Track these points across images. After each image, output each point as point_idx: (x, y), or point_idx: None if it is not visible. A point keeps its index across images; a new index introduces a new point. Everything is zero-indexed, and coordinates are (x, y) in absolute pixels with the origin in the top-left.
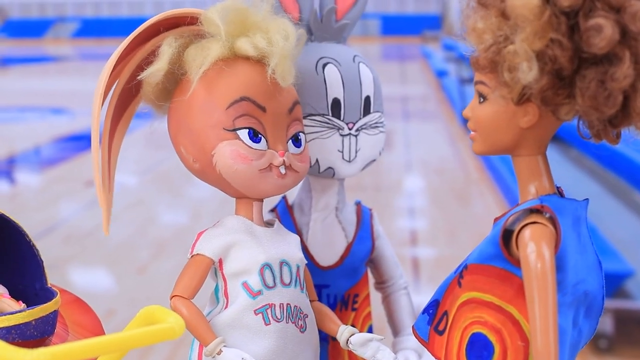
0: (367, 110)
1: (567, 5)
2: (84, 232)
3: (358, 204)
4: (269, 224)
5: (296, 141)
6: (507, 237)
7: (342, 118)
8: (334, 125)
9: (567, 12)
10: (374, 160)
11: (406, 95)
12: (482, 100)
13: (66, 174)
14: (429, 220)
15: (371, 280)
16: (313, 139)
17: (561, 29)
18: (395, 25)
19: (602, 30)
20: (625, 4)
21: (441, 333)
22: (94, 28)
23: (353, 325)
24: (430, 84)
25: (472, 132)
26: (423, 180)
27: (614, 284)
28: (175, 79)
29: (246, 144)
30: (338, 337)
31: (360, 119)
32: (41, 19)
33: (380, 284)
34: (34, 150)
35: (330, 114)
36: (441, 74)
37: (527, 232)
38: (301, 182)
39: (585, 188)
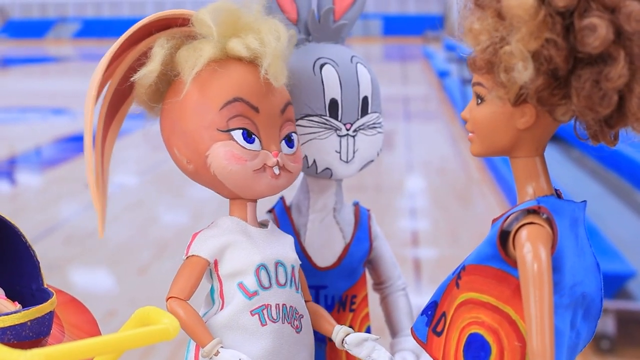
0: (364, 111)
1: (562, 5)
2: (85, 232)
3: (356, 204)
4: (263, 225)
5: (289, 141)
6: (504, 237)
7: (339, 119)
8: (331, 125)
9: (562, 12)
10: (372, 160)
11: (408, 95)
12: (479, 101)
13: (67, 175)
14: (431, 221)
15: (369, 281)
16: (310, 139)
17: (556, 29)
18: (397, 26)
19: (597, 30)
20: (620, 4)
21: (439, 334)
22: (95, 28)
23: (351, 327)
24: (431, 85)
25: (470, 134)
26: (424, 181)
27: (616, 284)
28: (167, 81)
29: (240, 145)
30: (333, 337)
31: (357, 119)
32: (42, 19)
33: (378, 285)
34: (35, 150)
35: (328, 115)
36: (443, 74)
37: (523, 233)
38: (299, 183)
39: (587, 188)
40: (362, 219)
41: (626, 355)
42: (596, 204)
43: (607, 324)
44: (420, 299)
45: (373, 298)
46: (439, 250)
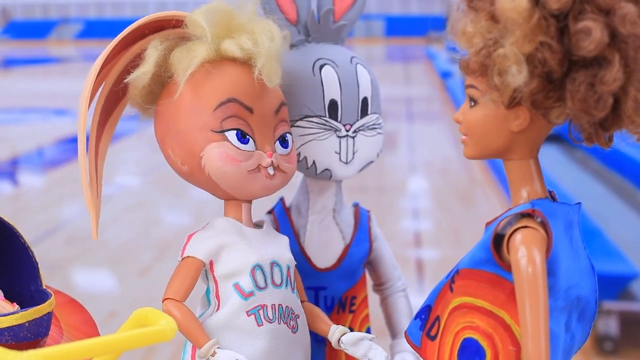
0: (364, 112)
1: (556, 8)
2: (87, 233)
3: (356, 205)
4: (258, 226)
5: (283, 142)
6: (498, 241)
7: (339, 119)
8: (331, 126)
9: (557, 14)
10: (372, 161)
11: (410, 96)
12: (473, 104)
13: (69, 175)
14: (433, 222)
15: (369, 282)
16: (310, 140)
17: (550, 32)
18: (400, 26)
19: (591, 33)
20: (614, 6)
21: (433, 338)
22: (97, 29)
23: (350, 328)
24: (434, 85)
25: (463, 137)
26: (427, 182)
27: (619, 285)
28: (161, 82)
29: (234, 146)
30: (329, 337)
31: (357, 120)
32: (44, 20)
33: (378, 286)
34: (37, 151)
35: (327, 116)
36: (445, 75)
37: (518, 237)
38: (298, 184)
39: (590, 189)
40: (361, 220)
41: (629, 357)
42: (599, 205)
43: (610, 325)
44: (423, 300)
45: (373, 299)
46: (442, 251)
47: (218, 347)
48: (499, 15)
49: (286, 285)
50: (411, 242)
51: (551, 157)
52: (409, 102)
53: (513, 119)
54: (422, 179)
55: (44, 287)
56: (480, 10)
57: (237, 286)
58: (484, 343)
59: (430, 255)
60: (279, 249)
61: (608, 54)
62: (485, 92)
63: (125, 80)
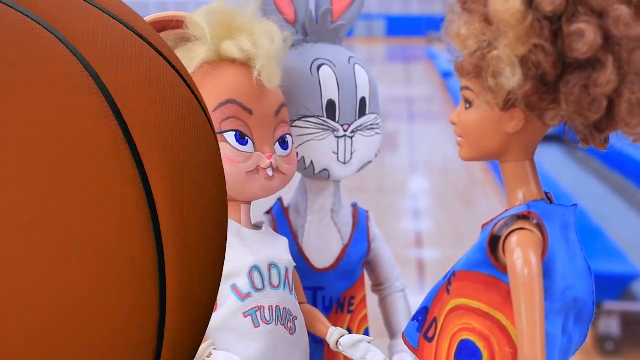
0: (362, 112)
1: (549, 10)
2: None
3: (354, 205)
4: (257, 227)
5: (283, 143)
6: (494, 243)
7: (337, 120)
8: (328, 127)
9: (550, 17)
10: (370, 162)
11: (411, 96)
12: (468, 106)
13: None
14: (434, 222)
15: (368, 282)
16: (307, 140)
17: (544, 34)
18: (401, 26)
19: (584, 35)
20: (608, 8)
21: (430, 340)
22: None
23: (349, 328)
24: (435, 85)
25: (458, 138)
26: (427, 182)
27: (621, 285)
28: None
29: (233, 147)
30: (327, 339)
31: (355, 120)
32: None
33: (377, 287)
34: None
35: (325, 116)
36: (446, 75)
37: (513, 239)
38: (297, 184)
39: (591, 189)
40: (360, 220)
41: (631, 357)
42: (600, 205)
43: (612, 326)
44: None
45: (372, 300)
46: (442, 251)
47: (214, 348)
48: (492, 17)
49: (284, 286)
50: (412, 242)
51: (552, 157)
52: (409, 102)
53: (508, 121)
54: (422, 179)
55: None
56: (474, 12)
57: (234, 287)
58: (480, 345)
59: (431, 255)
60: (278, 250)
61: (601, 56)
62: (480, 94)
63: None
